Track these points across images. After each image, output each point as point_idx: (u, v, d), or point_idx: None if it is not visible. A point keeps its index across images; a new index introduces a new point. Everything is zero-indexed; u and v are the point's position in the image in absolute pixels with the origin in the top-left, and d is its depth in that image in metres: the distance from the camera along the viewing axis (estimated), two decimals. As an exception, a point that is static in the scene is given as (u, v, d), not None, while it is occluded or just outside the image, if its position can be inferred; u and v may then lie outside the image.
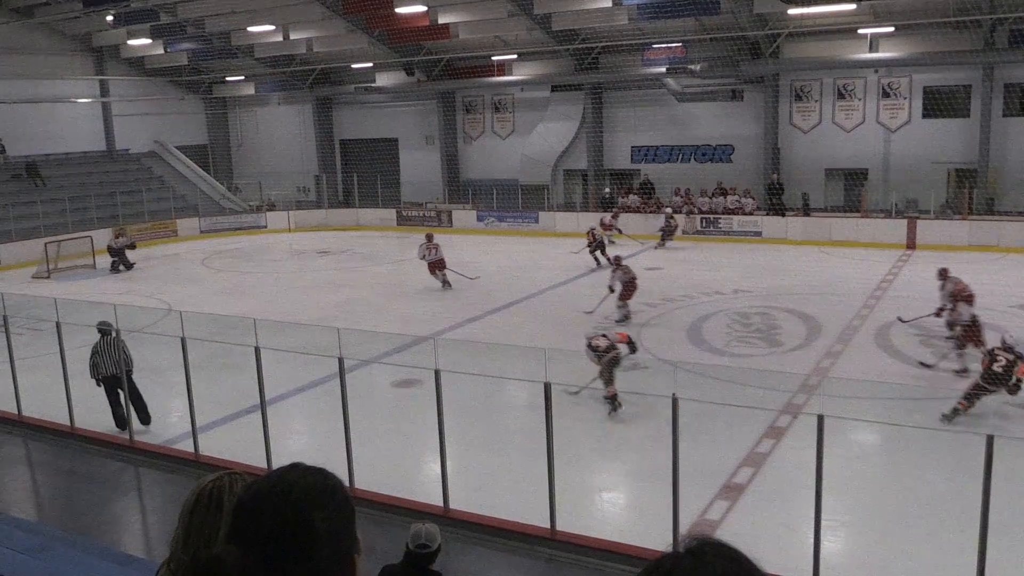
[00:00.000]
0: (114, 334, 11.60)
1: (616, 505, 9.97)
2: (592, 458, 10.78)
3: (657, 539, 7.79)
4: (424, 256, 20.82)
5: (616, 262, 17.84)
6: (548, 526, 8.28)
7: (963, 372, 13.03)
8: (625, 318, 17.17)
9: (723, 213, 28.02)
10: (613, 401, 11.78)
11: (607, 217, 26.97)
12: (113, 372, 11.52)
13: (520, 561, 8.35)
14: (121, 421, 11.57)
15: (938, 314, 14.61)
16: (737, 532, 8.43)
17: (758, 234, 27.25)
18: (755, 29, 26.64)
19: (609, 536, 8.32)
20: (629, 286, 17.33)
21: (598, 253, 23.46)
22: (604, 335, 12.42)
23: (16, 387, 12.04)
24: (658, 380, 13.17)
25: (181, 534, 2.08)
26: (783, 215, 27.30)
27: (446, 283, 20.89)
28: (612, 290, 17.25)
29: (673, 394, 7.77)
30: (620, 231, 26.68)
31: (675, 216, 27.05)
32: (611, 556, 7.92)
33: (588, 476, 10.15)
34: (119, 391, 11.56)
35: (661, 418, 8.15)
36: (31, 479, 11.33)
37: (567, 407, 9.22)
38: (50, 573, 5.15)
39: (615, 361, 12.01)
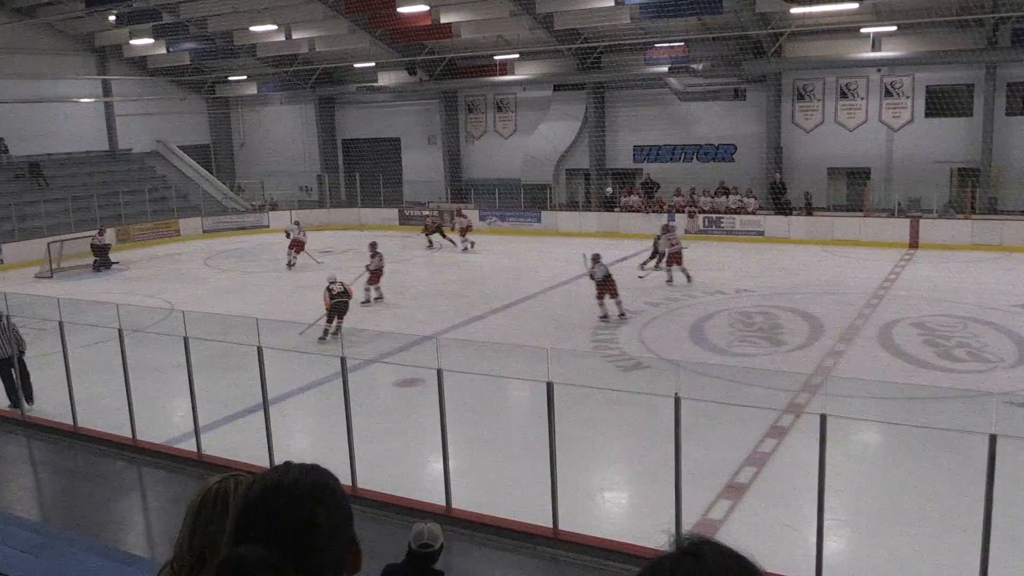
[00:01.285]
0: (5, 320, 12.51)
1: (619, 505, 9.97)
2: (594, 457, 10.77)
3: (659, 539, 7.74)
4: (368, 265, 19.80)
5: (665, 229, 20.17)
6: (551, 525, 8.28)
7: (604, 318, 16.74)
8: (604, 317, 17.40)
9: (725, 213, 28.01)
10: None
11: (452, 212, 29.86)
12: (7, 354, 12.39)
13: (523, 560, 8.34)
14: (14, 398, 12.43)
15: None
16: (740, 532, 8.43)
17: (760, 233, 27.23)
18: (757, 28, 26.61)
19: (612, 536, 8.32)
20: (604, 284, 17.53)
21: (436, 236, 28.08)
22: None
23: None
24: (660, 379, 13.15)
25: (186, 535, 2.08)
26: (786, 214, 27.27)
27: (380, 297, 19.75)
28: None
29: (676, 393, 7.77)
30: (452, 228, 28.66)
31: (663, 237, 21.87)
32: (613, 555, 7.92)
33: (590, 475, 10.15)
34: (12, 371, 12.42)
35: (663, 417, 8.13)
36: (34, 478, 11.34)
37: (569, 407, 9.21)
38: (52, 572, 5.15)
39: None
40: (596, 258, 17.84)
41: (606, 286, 17.47)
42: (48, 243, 25.99)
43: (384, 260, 19.87)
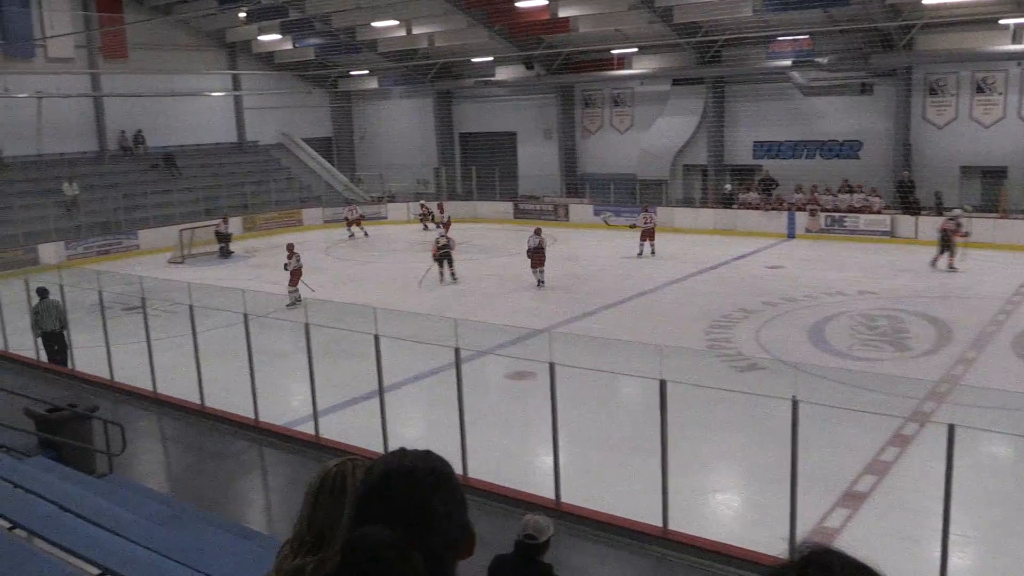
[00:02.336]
0: (49, 297, 14.24)
1: (730, 507, 9.79)
2: (706, 458, 10.61)
3: (772, 544, 7.59)
4: (287, 267, 19.96)
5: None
6: (660, 524, 8.19)
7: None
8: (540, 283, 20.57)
9: (848, 211, 27.06)
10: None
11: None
12: (53, 328, 14.25)
13: (631, 558, 8.28)
14: (60, 362, 14.33)
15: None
16: (858, 542, 8.14)
17: (887, 233, 26.20)
18: (887, 20, 25.55)
19: (722, 538, 8.16)
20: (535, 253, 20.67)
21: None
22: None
23: (152, 366, 12.68)
24: (777, 382, 12.81)
25: (306, 515, 2.14)
26: (915, 214, 26.14)
27: (296, 302, 19.01)
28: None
29: (793, 396, 7.56)
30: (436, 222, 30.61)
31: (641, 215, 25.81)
32: (723, 558, 7.77)
33: (702, 476, 10.00)
34: (55, 346, 14.39)
35: (779, 421, 7.93)
36: (164, 453, 11.92)
37: (682, 406, 9.07)
38: (180, 543, 5.41)
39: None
40: (538, 231, 20.94)
41: (536, 257, 20.72)
42: (180, 230, 27.28)
43: (302, 261, 20.41)
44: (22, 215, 27.40)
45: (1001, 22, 24.56)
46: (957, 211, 22.73)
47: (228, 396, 12.15)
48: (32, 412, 9.55)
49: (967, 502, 8.56)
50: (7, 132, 29.95)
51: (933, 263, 21.65)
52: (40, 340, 14.52)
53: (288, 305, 18.68)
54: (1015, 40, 25.03)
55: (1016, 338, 15.17)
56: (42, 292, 14.42)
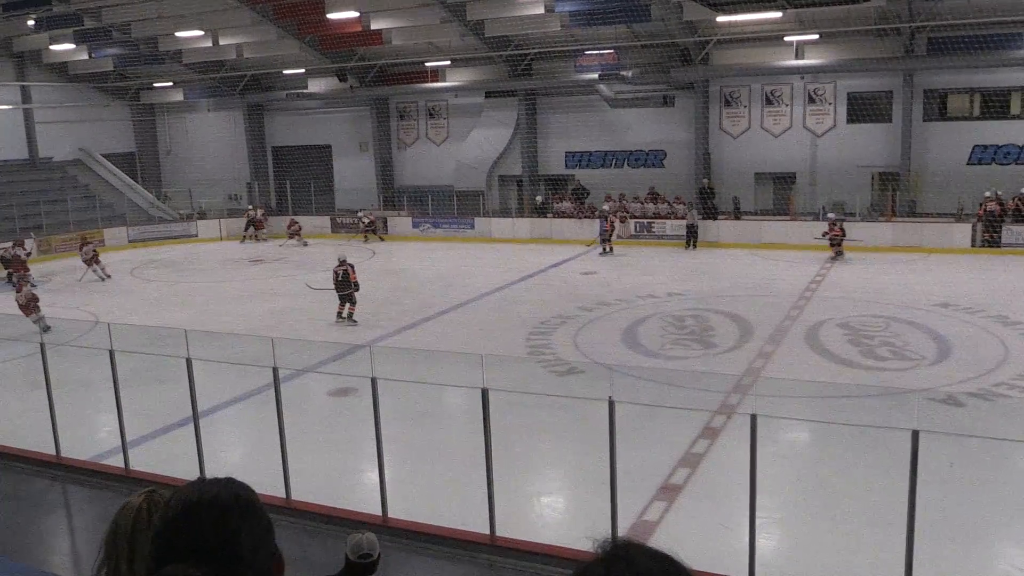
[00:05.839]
0: None
1: (555, 509, 10.01)
2: (531, 463, 10.81)
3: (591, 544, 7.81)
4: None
5: None
6: (488, 532, 8.28)
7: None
8: None
9: (654, 217, 28.38)
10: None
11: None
12: None
13: (461, 568, 8.31)
14: None
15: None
16: (675, 532, 8.54)
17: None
18: (685, 36, 27.07)
19: (549, 540, 8.34)
20: None
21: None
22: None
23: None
24: (595, 384, 13.26)
25: (103, 562, 2.02)
26: (715, 219, 27.75)
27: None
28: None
29: (609, 397, 7.84)
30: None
31: (611, 216, 27.21)
32: (552, 560, 7.94)
33: (527, 481, 10.17)
34: None
35: (598, 421, 8.20)
36: (-49, 500, 10.91)
37: (504, 413, 9.21)
38: (-27, 597, 4.96)
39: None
40: (341, 260, 18.32)
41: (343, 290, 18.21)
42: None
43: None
44: None
45: (786, 39, 26.56)
46: (831, 215, 25.12)
47: (24, 432, 11.28)
48: None
49: (771, 487, 9.14)
50: None
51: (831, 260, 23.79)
52: None
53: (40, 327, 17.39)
54: (798, 55, 27.11)
55: (808, 331, 16.38)
56: None
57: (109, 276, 25.03)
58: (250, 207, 33.78)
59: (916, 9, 24.27)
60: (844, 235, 24.18)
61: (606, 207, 27.75)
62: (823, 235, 24.43)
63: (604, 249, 26.25)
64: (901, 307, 18.08)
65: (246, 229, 32.63)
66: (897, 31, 25.28)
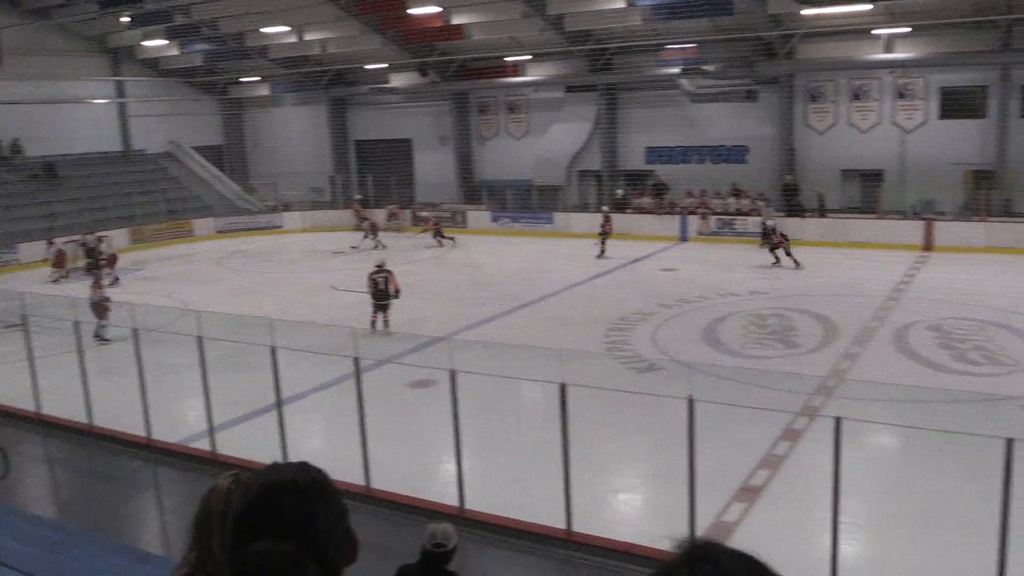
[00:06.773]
0: None
1: (632, 506, 9.96)
2: (608, 459, 10.76)
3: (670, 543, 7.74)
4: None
5: None
6: (564, 527, 8.28)
7: None
8: None
9: (736, 214, 27.92)
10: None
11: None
12: None
13: (536, 561, 8.34)
14: None
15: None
16: (754, 534, 8.40)
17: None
18: (769, 29, 26.54)
19: (625, 537, 8.30)
20: None
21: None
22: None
23: (35, 385, 12.12)
24: (674, 381, 13.13)
25: (218, 540, 2.08)
26: (799, 216, 27.16)
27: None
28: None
29: (689, 396, 7.76)
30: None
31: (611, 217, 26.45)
32: (627, 557, 7.91)
33: (604, 477, 10.14)
34: None
35: (677, 420, 8.12)
36: (50, 476, 11.41)
37: (583, 409, 9.19)
38: (71, 569, 5.18)
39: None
40: (380, 265, 17.49)
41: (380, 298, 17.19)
42: (64, 243, 26.12)
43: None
44: None
45: (875, 32, 25.82)
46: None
47: (118, 414, 11.71)
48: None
49: (855, 491, 8.91)
50: None
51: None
52: None
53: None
54: (887, 49, 26.34)
55: (896, 333, 15.92)
56: None
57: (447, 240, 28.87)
58: (358, 203, 33.22)
59: (1014, 0, 23.33)
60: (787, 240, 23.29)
61: (606, 208, 27.31)
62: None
63: (601, 252, 25.39)
64: (995, 310, 17.44)
65: (366, 236, 28.94)
66: (993, 23, 24.34)
